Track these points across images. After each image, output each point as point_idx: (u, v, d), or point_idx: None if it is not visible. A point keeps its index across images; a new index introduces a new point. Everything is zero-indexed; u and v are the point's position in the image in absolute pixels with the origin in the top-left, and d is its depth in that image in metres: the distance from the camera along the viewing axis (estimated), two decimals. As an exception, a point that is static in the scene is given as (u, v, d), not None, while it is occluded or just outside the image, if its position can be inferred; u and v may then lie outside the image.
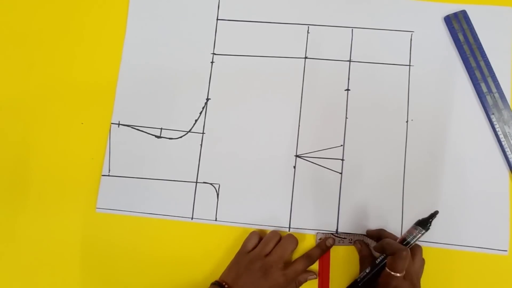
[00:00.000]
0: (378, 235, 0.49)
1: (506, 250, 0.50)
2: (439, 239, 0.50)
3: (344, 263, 0.51)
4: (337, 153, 0.53)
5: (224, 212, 0.52)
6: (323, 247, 0.50)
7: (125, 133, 0.55)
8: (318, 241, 0.51)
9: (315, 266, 0.51)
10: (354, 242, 0.50)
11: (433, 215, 0.44)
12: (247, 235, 0.51)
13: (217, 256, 0.52)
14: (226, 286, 0.46)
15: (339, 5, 0.56)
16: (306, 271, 0.49)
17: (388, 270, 0.43)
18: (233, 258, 0.50)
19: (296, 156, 0.53)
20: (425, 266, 0.47)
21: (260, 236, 0.51)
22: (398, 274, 0.42)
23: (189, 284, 0.51)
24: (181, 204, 0.53)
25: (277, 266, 0.47)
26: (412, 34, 0.55)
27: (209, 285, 0.47)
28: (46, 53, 0.57)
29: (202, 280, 0.51)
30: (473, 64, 0.53)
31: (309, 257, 0.50)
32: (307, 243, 0.51)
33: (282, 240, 0.50)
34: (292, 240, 0.50)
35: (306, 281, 0.49)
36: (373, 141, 0.52)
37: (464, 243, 0.50)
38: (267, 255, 0.48)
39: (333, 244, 0.50)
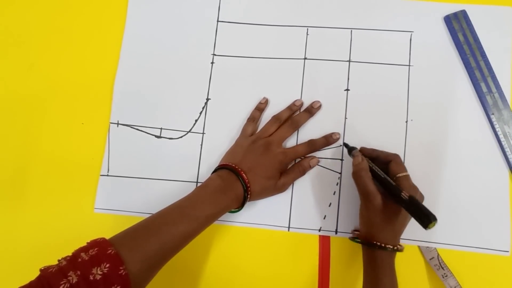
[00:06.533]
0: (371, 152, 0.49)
1: (507, 251, 0.49)
2: (439, 240, 0.50)
3: (344, 262, 0.50)
4: (337, 153, 0.53)
5: (223, 212, 0.52)
6: (329, 139, 0.51)
7: (125, 133, 0.55)
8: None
9: (315, 262, 0.50)
10: (355, 155, 0.48)
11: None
12: (247, 235, 0.51)
13: (217, 256, 0.51)
14: (235, 166, 0.47)
15: (338, 6, 0.56)
16: (308, 156, 0.51)
17: (400, 174, 0.45)
18: (232, 145, 0.51)
19: (296, 156, 0.53)
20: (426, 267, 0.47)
21: (256, 124, 0.53)
22: (407, 172, 0.45)
23: (188, 284, 0.51)
24: (181, 204, 0.53)
25: (277, 144, 0.49)
26: (411, 34, 0.55)
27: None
28: (46, 53, 0.57)
29: (201, 280, 0.51)
30: (473, 64, 0.53)
31: (311, 144, 0.51)
32: (307, 243, 0.51)
33: (281, 126, 0.52)
34: (291, 125, 0.51)
35: (309, 166, 0.51)
36: (373, 141, 0.52)
37: (465, 244, 0.50)
38: (267, 137, 0.51)
39: (338, 138, 0.52)
